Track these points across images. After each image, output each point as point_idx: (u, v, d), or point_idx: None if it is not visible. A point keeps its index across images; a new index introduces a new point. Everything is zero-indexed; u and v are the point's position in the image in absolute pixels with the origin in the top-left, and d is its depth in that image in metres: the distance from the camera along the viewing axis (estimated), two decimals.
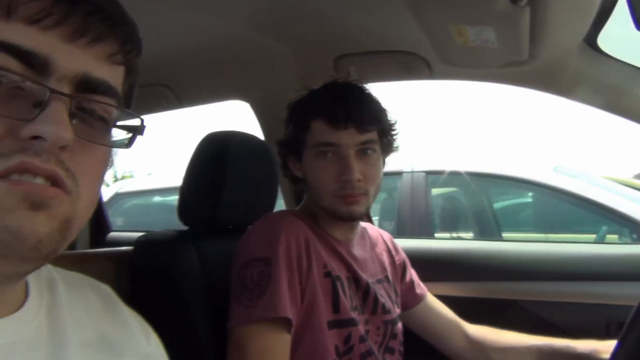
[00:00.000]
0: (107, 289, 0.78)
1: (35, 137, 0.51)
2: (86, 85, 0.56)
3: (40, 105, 0.52)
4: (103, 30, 0.57)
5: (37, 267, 0.59)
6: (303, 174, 1.34)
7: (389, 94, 1.38)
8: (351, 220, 1.31)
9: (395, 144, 1.38)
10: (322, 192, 1.28)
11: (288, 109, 1.38)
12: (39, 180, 0.52)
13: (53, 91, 0.53)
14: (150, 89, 1.87)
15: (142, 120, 0.62)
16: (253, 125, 1.91)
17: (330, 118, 1.25)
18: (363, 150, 1.28)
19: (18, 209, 0.51)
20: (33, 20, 0.52)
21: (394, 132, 1.37)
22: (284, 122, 1.38)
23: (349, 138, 1.25)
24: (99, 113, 0.58)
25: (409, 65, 1.56)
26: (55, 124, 0.52)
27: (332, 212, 1.29)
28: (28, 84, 0.52)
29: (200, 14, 1.35)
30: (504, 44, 1.28)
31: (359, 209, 1.27)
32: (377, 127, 1.30)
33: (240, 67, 1.73)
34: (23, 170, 0.51)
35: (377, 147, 1.31)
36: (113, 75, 0.60)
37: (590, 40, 1.35)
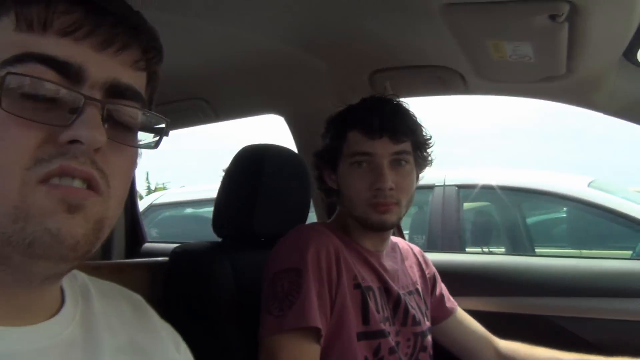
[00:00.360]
0: (138, 298, 0.81)
1: (73, 142, 0.54)
2: (115, 91, 0.59)
3: (75, 111, 0.55)
4: (128, 39, 0.60)
5: (73, 267, 0.62)
6: (337, 185, 1.36)
7: (424, 107, 1.39)
8: (382, 229, 1.32)
9: (429, 158, 1.39)
10: (355, 200, 1.30)
11: (326, 123, 1.41)
12: (77, 183, 0.55)
13: (87, 98, 0.56)
14: (189, 103, 1.90)
15: (167, 122, 0.65)
16: (284, 139, 1.93)
17: (365, 128, 1.29)
18: (397, 161, 1.30)
19: (57, 212, 0.54)
20: (66, 33, 0.55)
21: (428, 146, 1.38)
22: (322, 135, 1.41)
23: (382, 148, 1.28)
24: (127, 116, 0.61)
25: (444, 79, 1.56)
26: (91, 128, 0.55)
27: (364, 220, 1.30)
28: (64, 92, 0.55)
29: (240, 30, 1.37)
30: (541, 59, 1.27)
31: (390, 218, 1.29)
32: (411, 139, 1.32)
33: (277, 82, 1.75)
34: (62, 173, 0.54)
35: (410, 158, 1.33)
36: (137, 80, 0.63)
37: (630, 54, 1.33)
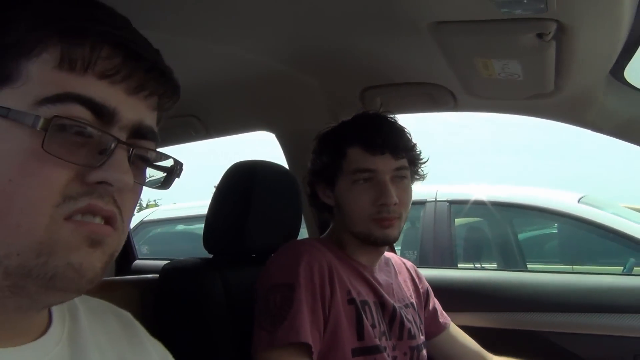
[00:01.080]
0: (127, 315, 0.80)
1: (100, 182, 0.56)
2: (138, 132, 0.61)
3: (105, 152, 0.57)
4: (158, 85, 0.62)
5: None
6: (335, 201, 1.36)
7: (413, 122, 1.40)
8: (385, 244, 1.34)
9: (422, 173, 1.41)
10: (357, 217, 1.30)
11: (318, 139, 1.41)
12: (98, 220, 0.57)
13: (119, 141, 0.58)
14: (180, 120, 1.90)
15: (176, 162, 0.67)
16: (275, 155, 1.93)
17: (368, 144, 1.30)
18: (398, 177, 1.32)
19: (81, 247, 0.56)
20: (105, 76, 0.57)
21: (421, 161, 1.40)
22: (313, 152, 1.41)
23: (384, 164, 1.30)
24: (144, 156, 0.64)
25: (434, 96, 1.57)
26: (123, 171, 0.57)
27: (367, 236, 1.30)
28: (97, 133, 0.57)
29: (231, 48, 1.38)
30: (529, 77, 1.29)
31: (393, 232, 1.30)
32: (408, 155, 1.35)
33: (268, 99, 1.76)
34: (88, 212, 0.56)
35: (408, 173, 1.35)
36: (154, 120, 0.64)
37: (617, 72, 1.35)
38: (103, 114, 0.57)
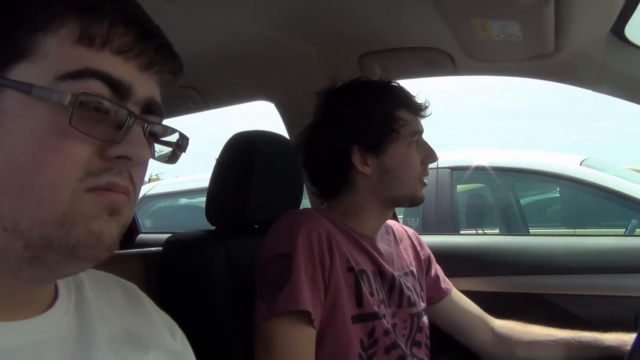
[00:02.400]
0: (132, 287, 0.81)
1: (119, 157, 0.58)
2: (149, 108, 0.62)
3: (121, 127, 0.58)
4: (167, 62, 0.64)
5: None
6: (378, 168, 1.32)
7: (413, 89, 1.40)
8: (421, 203, 1.39)
9: None
10: (409, 179, 1.34)
11: (358, 103, 1.34)
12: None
13: (136, 116, 0.59)
14: (178, 92, 1.89)
15: (182, 136, 0.68)
16: (275, 125, 1.92)
17: (415, 107, 1.36)
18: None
19: (101, 215, 0.57)
20: (120, 52, 0.58)
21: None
22: (350, 118, 1.33)
23: (422, 125, 1.38)
24: (154, 131, 0.65)
25: (433, 61, 1.55)
26: (141, 147, 0.59)
27: (410, 197, 1.35)
28: (115, 108, 0.58)
29: (226, 16, 1.36)
30: (528, 38, 1.27)
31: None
32: None
33: (266, 68, 1.75)
34: (107, 189, 0.58)
35: None
36: (159, 95, 0.66)
37: (617, 31, 1.34)
38: (120, 89, 0.58)
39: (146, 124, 0.61)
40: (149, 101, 0.62)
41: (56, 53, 0.55)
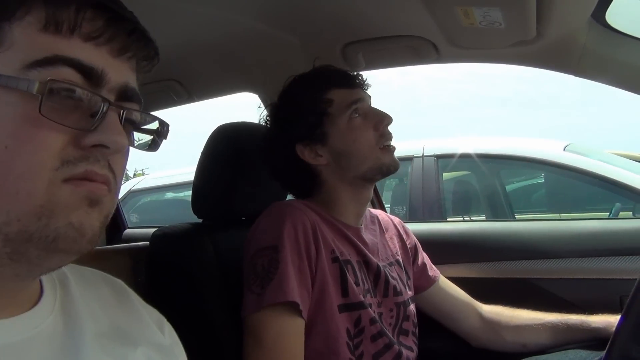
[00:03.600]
0: (119, 282, 0.80)
1: (95, 145, 0.57)
2: (124, 94, 0.61)
3: (96, 115, 0.57)
4: (140, 47, 0.63)
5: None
6: (330, 155, 1.33)
7: (400, 81, 1.40)
8: (393, 171, 1.35)
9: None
10: (367, 150, 1.31)
11: (286, 108, 1.38)
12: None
13: (110, 103, 0.58)
14: (161, 85, 1.88)
15: (162, 123, 0.67)
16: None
17: (344, 81, 1.34)
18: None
19: (80, 207, 0.56)
20: (90, 38, 0.57)
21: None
22: (287, 122, 1.36)
23: (360, 93, 1.35)
24: (132, 118, 0.64)
25: (417, 49, 1.55)
26: (117, 133, 0.58)
27: (379, 168, 1.32)
28: (88, 95, 0.57)
29: (208, 8, 1.36)
30: (510, 24, 1.27)
31: (395, 158, 1.35)
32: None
33: (249, 60, 1.74)
34: (85, 178, 0.56)
35: None
36: (136, 82, 0.65)
37: (598, 16, 1.34)
38: (92, 76, 0.57)
39: (122, 111, 0.60)
40: (124, 87, 0.61)
41: (23, 41, 0.54)
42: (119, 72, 0.60)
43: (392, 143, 1.34)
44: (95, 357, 0.64)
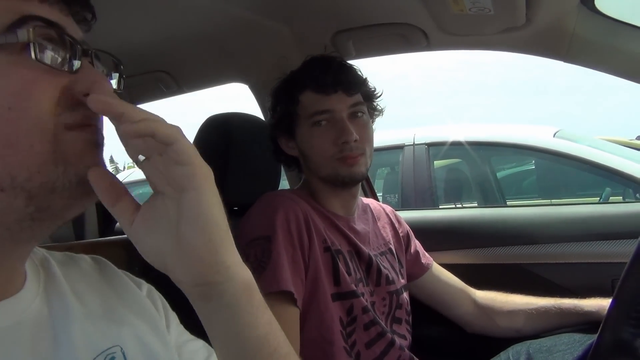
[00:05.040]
0: (102, 260, 0.80)
1: (87, 94, 0.58)
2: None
3: (76, 61, 0.59)
4: (83, 4, 0.65)
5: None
6: (298, 150, 1.36)
7: (391, 69, 1.39)
8: (353, 182, 1.33)
9: (379, 107, 1.42)
10: (321, 159, 1.31)
11: (271, 94, 1.40)
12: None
13: (84, 50, 0.61)
14: (150, 76, 1.86)
15: (115, 58, 0.69)
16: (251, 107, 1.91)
17: (319, 86, 1.30)
18: (354, 114, 1.32)
19: (88, 151, 0.59)
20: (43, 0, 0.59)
21: (376, 96, 1.41)
22: (269, 108, 1.41)
23: (339, 102, 1.30)
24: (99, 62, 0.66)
25: (407, 36, 1.55)
26: (101, 77, 0.60)
27: (334, 177, 1.31)
28: (67, 40, 0.59)
29: None
30: (500, 10, 1.27)
31: (359, 169, 1.31)
32: (362, 91, 1.35)
33: (239, 50, 1.73)
34: (86, 123, 0.59)
35: (365, 109, 1.35)
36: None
37: (587, 1, 1.34)
38: (58, 29, 0.59)
39: (90, 52, 0.62)
40: (82, 41, 0.62)
41: None
42: (74, 27, 0.62)
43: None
44: (83, 337, 0.63)
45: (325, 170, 1.31)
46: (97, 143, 0.60)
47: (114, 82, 0.69)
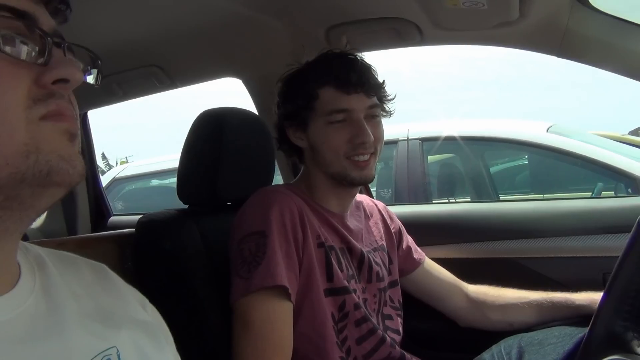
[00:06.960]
0: (100, 265, 0.80)
1: (56, 82, 0.58)
2: (58, 37, 0.62)
3: (43, 54, 0.58)
4: None
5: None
6: (308, 143, 1.35)
7: (385, 63, 1.39)
8: (362, 184, 1.35)
9: (389, 110, 1.41)
10: (333, 156, 1.30)
11: (285, 82, 1.39)
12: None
13: (54, 41, 0.60)
14: (143, 71, 1.85)
15: (90, 52, 0.68)
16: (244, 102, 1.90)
17: (342, 84, 1.29)
18: (371, 115, 1.32)
19: (63, 141, 0.58)
20: None
21: (389, 98, 1.39)
22: (280, 95, 1.39)
23: (359, 102, 1.30)
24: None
25: (400, 31, 1.55)
26: (72, 66, 0.60)
27: (343, 176, 1.31)
28: (35, 32, 0.58)
29: None
30: (493, 5, 1.28)
31: (370, 172, 1.32)
32: (378, 93, 1.35)
33: (232, 45, 1.72)
34: (60, 113, 0.59)
35: (380, 111, 1.36)
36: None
37: None
38: (26, 20, 0.58)
39: (63, 45, 0.61)
40: (55, 30, 0.62)
41: None
42: (46, 16, 0.62)
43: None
44: (79, 337, 0.63)
45: (335, 167, 1.31)
46: (72, 133, 0.60)
47: (90, 78, 0.68)
